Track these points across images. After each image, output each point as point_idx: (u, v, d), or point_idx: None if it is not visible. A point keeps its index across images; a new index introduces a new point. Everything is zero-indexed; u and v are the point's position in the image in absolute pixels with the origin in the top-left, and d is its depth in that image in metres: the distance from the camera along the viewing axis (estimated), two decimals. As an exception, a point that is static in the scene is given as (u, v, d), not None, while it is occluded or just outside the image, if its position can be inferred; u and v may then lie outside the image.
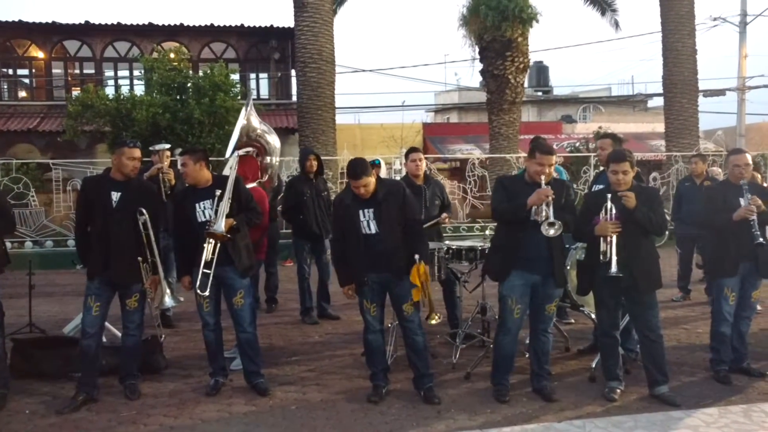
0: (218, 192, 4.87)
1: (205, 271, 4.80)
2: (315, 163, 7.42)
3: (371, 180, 4.66)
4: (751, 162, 5.32)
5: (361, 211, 4.67)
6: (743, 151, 5.53)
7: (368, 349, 4.91)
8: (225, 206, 4.81)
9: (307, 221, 7.25)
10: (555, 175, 6.48)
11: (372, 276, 4.71)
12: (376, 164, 7.28)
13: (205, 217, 4.88)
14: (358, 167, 4.62)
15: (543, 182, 4.55)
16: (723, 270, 5.22)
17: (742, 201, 5.06)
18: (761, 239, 4.91)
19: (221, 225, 4.74)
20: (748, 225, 4.95)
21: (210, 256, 4.79)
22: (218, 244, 4.81)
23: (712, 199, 5.36)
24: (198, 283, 4.82)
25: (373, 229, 4.66)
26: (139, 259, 4.84)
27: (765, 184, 7.68)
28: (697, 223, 5.95)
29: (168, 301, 5.32)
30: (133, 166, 4.90)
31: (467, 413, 4.55)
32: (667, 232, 13.18)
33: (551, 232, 4.41)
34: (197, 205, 4.92)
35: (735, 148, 6.09)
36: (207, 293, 4.84)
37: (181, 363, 5.78)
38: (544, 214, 4.46)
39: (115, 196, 4.83)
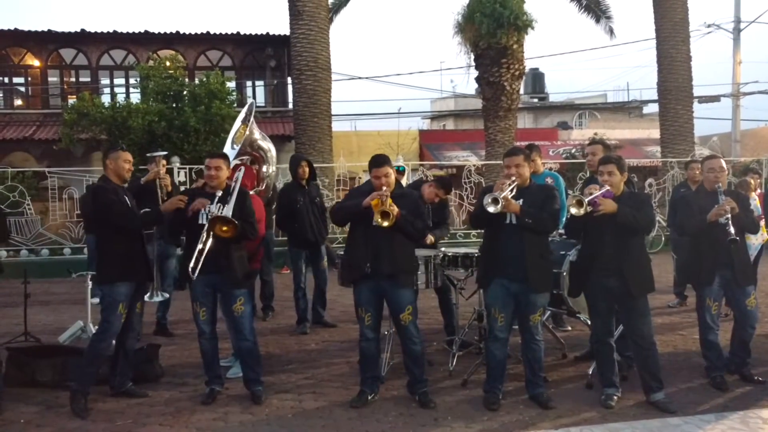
0: (219, 193, 4.94)
1: (197, 257, 4.82)
2: (307, 170, 7.37)
3: (392, 171, 4.82)
4: (725, 166, 5.35)
5: None
6: (717, 156, 5.58)
7: (360, 356, 4.96)
8: (230, 207, 4.86)
9: (302, 229, 7.20)
10: (550, 180, 6.56)
11: (369, 283, 4.76)
12: (400, 170, 7.23)
13: (206, 220, 4.91)
14: (381, 157, 4.85)
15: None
16: (698, 278, 5.23)
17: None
18: (734, 236, 4.91)
19: (228, 213, 4.80)
20: (723, 229, 4.95)
21: (202, 245, 4.81)
22: (210, 237, 4.80)
23: (687, 205, 5.39)
24: (192, 265, 4.83)
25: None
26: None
27: (759, 190, 7.70)
28: (675, 228, 5.98)
29: (157, 296, 5.37)
30: (129, 169, 5.04)
31: (464, 420, 4.54)
32: (662, 236, 13.24)
33: (492, 209, 4.46)
34: (206, 205, 4.97)
35: (709, 154, 6.14)
36: (195, 276, 4.87)
37: (176, 371, 5.76)
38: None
39: (127, 200, 4.99)
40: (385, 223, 4.56)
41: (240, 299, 4.97)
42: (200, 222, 4.93)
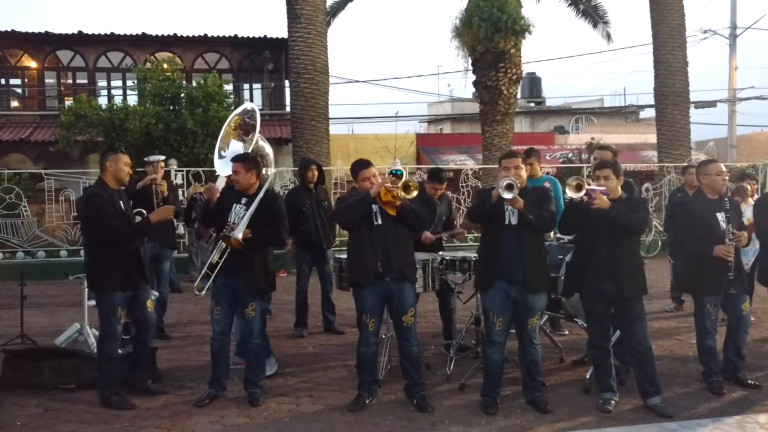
0: (244, 200, 4.95)
1: (208, 272, 4.88)
2: (316, 173, 7.34)
3: (377, 173, 4.96)
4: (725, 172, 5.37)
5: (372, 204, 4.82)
6: (716, 160, 5.55)
7: (360, 360, 4.94)
8: (248, 216, 4.86)
9: (307, 232, 7.16)
10: (548, 185, 6.57)
11: (375, 287, 4.78)
12: (398, 174, 7.12)
13: (232, 219, 4.92)
14: (364, 160, 5.04)
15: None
16: (705, 288, 5.19)
17: (719, 216, 5.11)
18: (731, 275, 5.07)
19: (239, 233, 4.79)
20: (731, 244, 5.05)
21: (217, 259, 4.87)
22: (228, 250, 4.87)
23: (686, 211, 5.38)
24: (198, 280, 5.00)
25: (380, 219, 4.81)
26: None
27: (756, 196, 7.72)
28: (671, 232, 5.93)
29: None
30: (128, 173, 5.02)
31: (461, 424, 4.54)
32: (659, 241, 13.27)
33: (508, 195, 4.46)
34: (235, 204, 5.00)
35: (707, 159, 6.12)
36: (202, 294, 4.95)
37: (173, 374, 5.75)
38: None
39: (123, 205, 4.98)
40: (414, 194, 4.74)
41: (252, 305, 4.98)
42: (228, 219, 4.96)
